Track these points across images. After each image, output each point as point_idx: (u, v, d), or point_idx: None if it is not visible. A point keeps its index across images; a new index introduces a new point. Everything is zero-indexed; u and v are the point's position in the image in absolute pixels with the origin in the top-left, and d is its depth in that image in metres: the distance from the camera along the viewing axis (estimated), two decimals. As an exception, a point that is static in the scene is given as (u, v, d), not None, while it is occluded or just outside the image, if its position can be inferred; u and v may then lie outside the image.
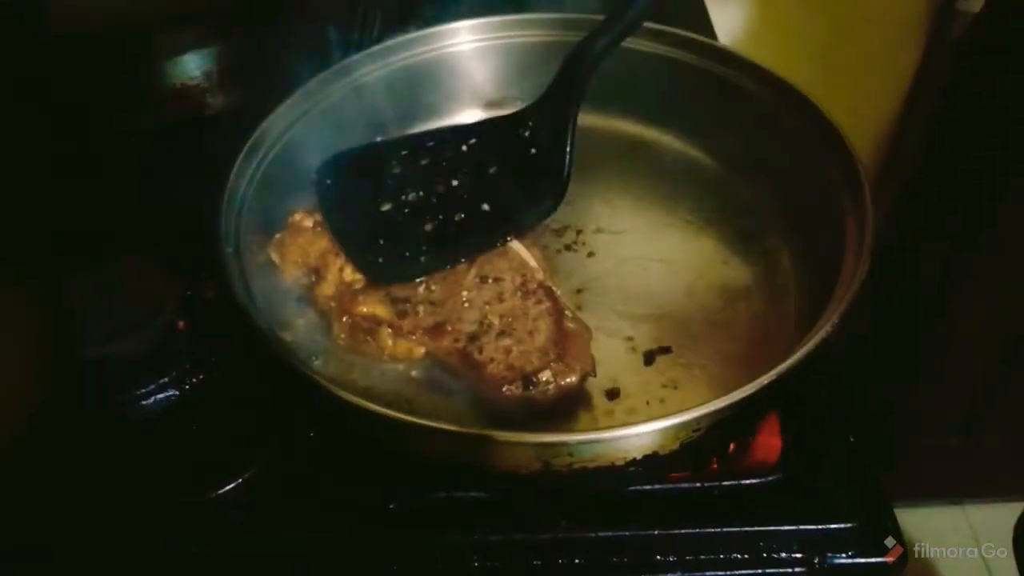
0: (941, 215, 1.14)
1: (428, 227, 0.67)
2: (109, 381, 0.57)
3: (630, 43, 0.79)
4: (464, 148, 0.71)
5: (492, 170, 0.70)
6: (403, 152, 0.72)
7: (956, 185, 1.11)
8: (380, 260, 0.66)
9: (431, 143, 0.73)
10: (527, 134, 0.70)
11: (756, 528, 0.55)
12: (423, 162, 0.71)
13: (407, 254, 0.66)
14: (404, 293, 0.64)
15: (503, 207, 0.68)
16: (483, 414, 0.59)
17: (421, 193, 0.69)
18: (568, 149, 0.67)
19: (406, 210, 0.69)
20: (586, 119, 0.82)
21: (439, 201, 0.69)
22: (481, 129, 0.73)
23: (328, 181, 0.71)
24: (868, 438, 0.59)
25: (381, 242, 0.67)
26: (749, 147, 0.76)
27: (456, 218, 0.68)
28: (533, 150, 0.69)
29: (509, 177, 0.69)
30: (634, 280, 0.68)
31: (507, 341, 0.61)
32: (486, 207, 0.68)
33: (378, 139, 0.77)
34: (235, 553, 0.55)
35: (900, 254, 1.17)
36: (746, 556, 0.55)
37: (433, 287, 0.65)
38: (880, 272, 0.59)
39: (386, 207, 0.69)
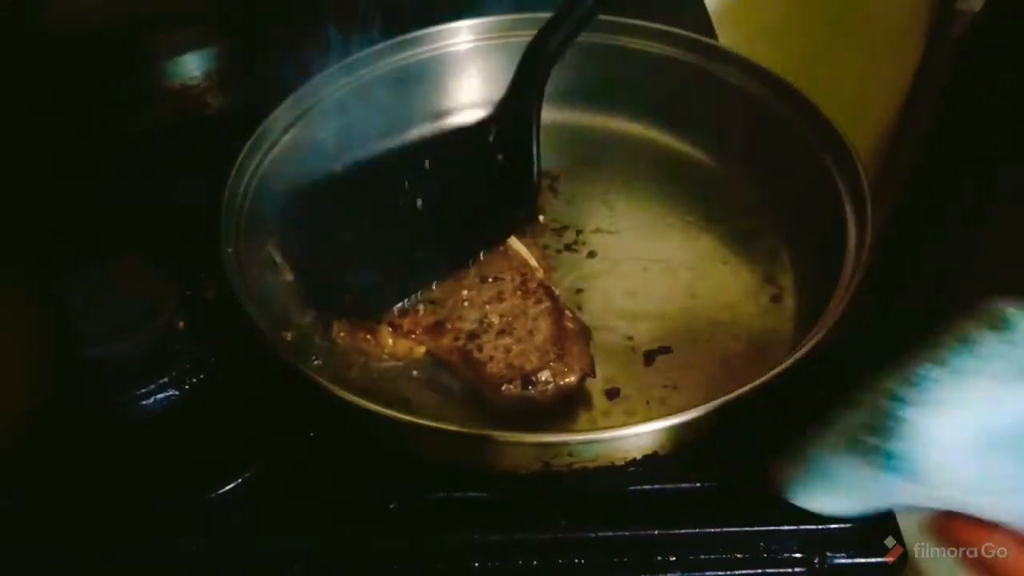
0: (941, 215, 1.14)
1: (396, 252, 0.65)
2: (109, 381, 0.57)
3: (630, 43, 0.79)
4: (427, 164, 0.68)
5: (459, 183, 0.67)
6: (363, 178, 0.69)
7: (956, 185, 1.11)
8: (347, 296, 0.63)
9: (390, 163, 0.70)
10: (491, 139, 0.67)
11: (756, 528, 0.54)
12: (383, 186, 0.68)
13: (378, 283, 0.63)
14: (404, 293, 0.64)
15: (474, 221, 0.65)
16: (483, 414, 0.59)
17: (385, 218, 0.66)
18: (534, 152, 0.65)
19: (372, 238, 0.65)
20: (585, 119, 0.83)
21: (406, 224, 0.66)
22: (442, 142, 0.71)
23: (290, 225, 0.67)
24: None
25: (346, 278, 0.63)
26: (749, 147, 0.76)
27: (426, 237, 0.65)
28: (500, 156, 0.67)
29: (477, 188, 0.67)
30: (634, 280, 0.68)
31: (507, 340, 0.61)
32: (456, 223, 0.65)
33: (336, 167, 0.72)
34: (235, 553, 0.55)
35: (900, 254, 1.17)
36: (746, 556, 0.55)
37: (433, 285, 0.65)
38: (880, 272, 0.59)
39: (347, 238, 0.65)
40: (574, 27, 0.64)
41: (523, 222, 0.66)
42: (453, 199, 0.66)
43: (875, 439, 0.33)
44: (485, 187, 0.66)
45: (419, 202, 0.66)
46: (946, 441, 0.32)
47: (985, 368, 0.32)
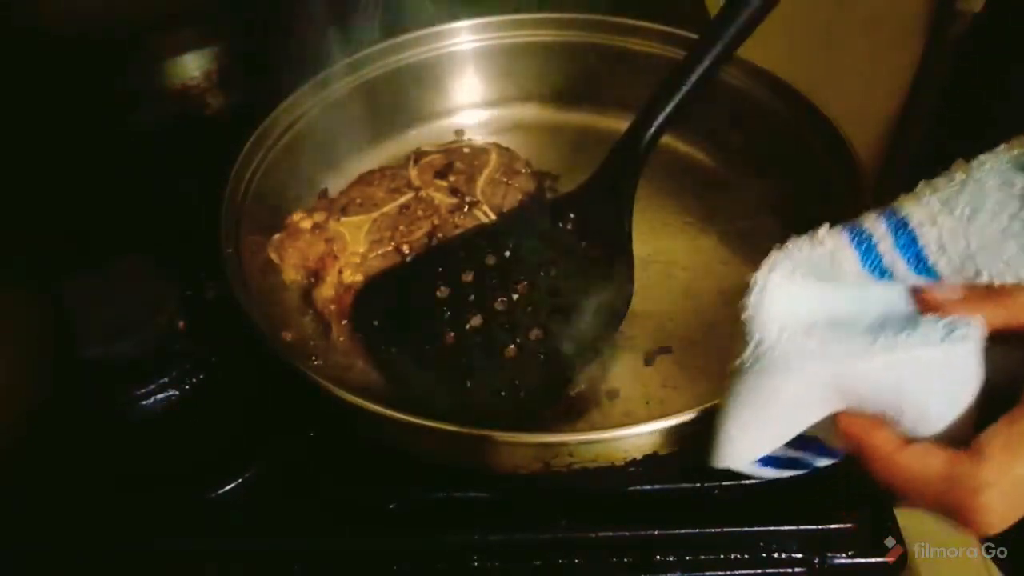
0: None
1: (509, 350, 0.60)
2: (109, 381, 0.57)
3: (630, 43, 0.79)
4: (507, 253, 0.65)
5: (553, 273, 0.63)
6: (440, 268, 0.64)
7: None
8: (473, 402, 0.58)
9: (466, 252, 0.65)
10: (569, 227, 0.65)
11: (756, 528, 0.54)
12: (467, 277, 0.64)
13: (502, 394, 0.58)
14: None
15: (579, 313, 0.61)
16: (483, 414, 0.59)
17: (484, 313, 0.61)
18: (628, 236, 0.63)
19: (476, 337, 0.60)
20: (585, 119, 0.83)
21: (508, 318, 0.61)
22: (513, 227, 0.67)
23: (374, 323, 0.62)
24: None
25: (468, 384, 0.59)
26: (749, 147, 0.76)
27: (533, 336, 0.60)
28: (583, 243, 0.64)
29: (572, 278, 0.63)
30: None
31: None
32: (561, 315, 0.61)
33: (407, 259, 0.67)
34: (235, 553, 0.55)
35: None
36: (746, 556, 0.55)
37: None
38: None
39: (451, 337, 0.61)
40: (677, 106, 0.61)
41: (621, 320, 0.61)
42: (549, 290, 0.63)
43: (744, 348, 0.40)
44: (577, 277, 0.62)
45: (514, 295, 0.62)
46: (789, 315, 0.40)
47: (797, 268, 0.42)
